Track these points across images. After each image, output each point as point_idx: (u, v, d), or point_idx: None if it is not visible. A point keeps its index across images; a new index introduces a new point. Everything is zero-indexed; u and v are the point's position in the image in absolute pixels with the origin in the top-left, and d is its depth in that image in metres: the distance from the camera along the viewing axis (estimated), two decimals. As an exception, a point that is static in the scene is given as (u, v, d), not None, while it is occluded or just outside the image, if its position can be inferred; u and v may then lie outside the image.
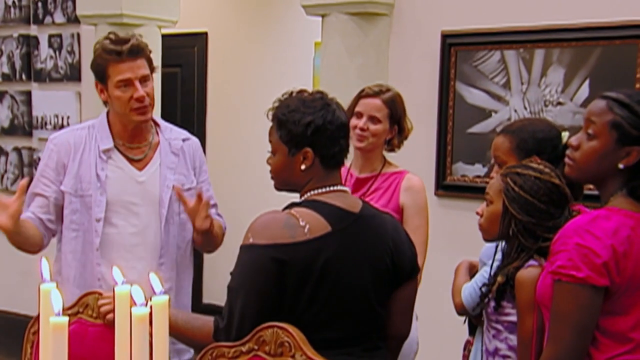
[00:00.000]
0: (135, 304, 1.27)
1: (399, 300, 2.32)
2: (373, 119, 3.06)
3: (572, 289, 1.97)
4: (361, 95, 3.13)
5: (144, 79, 2.76)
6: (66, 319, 1.16)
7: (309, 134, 2.17)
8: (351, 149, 2.65)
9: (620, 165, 2.03)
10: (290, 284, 2.10)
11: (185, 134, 3.01)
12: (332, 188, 2.23)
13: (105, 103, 2.86)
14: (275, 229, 2.12)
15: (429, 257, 3.90)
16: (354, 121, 3.01)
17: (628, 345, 2.00)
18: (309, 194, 2.23)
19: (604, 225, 1.98)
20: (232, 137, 6.08)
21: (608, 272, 1.95)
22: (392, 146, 3.19)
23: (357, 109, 3.06)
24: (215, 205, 3.01)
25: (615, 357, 2.01)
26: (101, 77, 2.77)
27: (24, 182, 2.60)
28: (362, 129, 3.04)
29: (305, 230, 2.11)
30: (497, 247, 2.48)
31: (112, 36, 2.79)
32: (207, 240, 2.86)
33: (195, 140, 3.02)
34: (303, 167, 2.20)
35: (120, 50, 2.72)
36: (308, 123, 2.17)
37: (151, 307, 1.30)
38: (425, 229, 3.17)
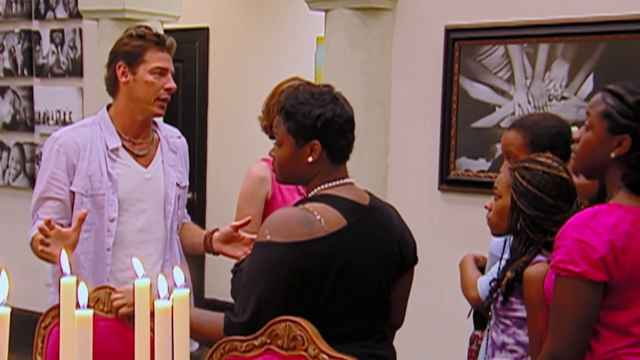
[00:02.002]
0: (158, 297, 1.28)
1: (400, 289, 2.34)
2: None
3: (570, 284, 1.97)
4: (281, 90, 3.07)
5: (172, 75, 2.80)
6: (91, 311, 1.16)
7: (318, 126, 2.16)
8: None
9: (612, 155, 2.03)
10: (311, 280, 2.10)
11: (177, 132, 3.03)
12: (341, 181, 2.23)
13: (115, 90, 2.81)
14: (293, 226, 2.10)
15: (432, 251, 3.92)
16: None
17: (629, 340, 2.00)
18: (319, 188, 2.22)
19: (603, 221, 1.98)
20: (233, 131, 6.07)
21: (606, 267, 1.95)
22: None
23: None
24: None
25: (616, 351, 2.00)
26: (132, 59, 2.73)
27: (83, 213, 2.58)
28: None
29: (323, 224, 2.10)
30: (505, 241, 2.49)
31: (141, 28, 2.81)
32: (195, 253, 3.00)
33: (184, 140, 3.05)
34: (310, 159, 2.19)
35: (162, 41, 2.76)
36: (318, 116, 2.16)
37: (172, 300, 1.30)
38: None
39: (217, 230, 2.84)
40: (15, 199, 5.77)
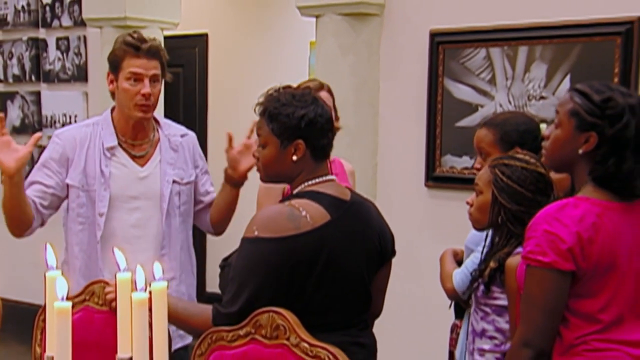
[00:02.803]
0: (135, 289, 1.29)
1: (379, 280, 2.36)
2: None
3: (540, 273, 1.99)
4: None
5: (154, 79, 2.77)
6: (69, 303, 1.17)
7: (302, 126, 2.18)
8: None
9: (580, 151, 2.05)
10: (298, 273, 2.11)
11: (183, 129, 3.02)
12: (323, 178, 2.25)
13: (112, 95, 2.84)
14: (280, 222, 2.12)
15: (419, 245, 3.94)
16: None
17: (597, 326, 2.02)
18: (303, 185, 2.24)
19: (571, 213, 1.99)
20: (232, 131, 6.07)
21: (573, 257, 1.97)
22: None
23: None
24: (212, 192, 3.06)
25: (584, 337, 2.02)
26: (115, 67, 2.77)
27: (39, 134, 2.60)
28: None
29: (308, 219, 2.12)
30: (486, 234, 2.50)
31: (135, 34, 2.80)
32: (231, 208, 2.95)
33: (192, 134, 3.04)
34: (294, 158, 2.21)
35: (139, 46, 2.74)
36: (302, 116, 2.18)
37: (150, 292, 1.31)
38: None
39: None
40: (24, 198, 5.79)
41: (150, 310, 1.33)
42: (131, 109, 2.76)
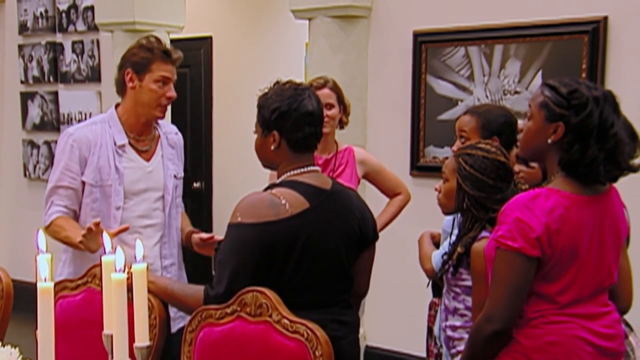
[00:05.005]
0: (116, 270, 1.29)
1: (362, 262, 2.34)
2: (327, 106, 3.12)
3: (509, 256, 1.99)
4: None
5: (174, 84, 2.80)
6: (51, 284, 1.18)
7: (273, 119, 2.19)
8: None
9: (549, 141, 2.04)
10: (277, 256, 2.11)
11: (175, 128, 3.02)
12: (305, 169, 2.23)
13: (122, 93, 2.82)
14: (260, 209, 2.12)
15: (404, 229, 3.93)
16: None
17: (554, 306, 2.03)
18: (286, 174, 2.23)
19: (542, 204, 1.99)
20: (235, 128, 6.07)
21: (540, 245, 1.97)
22: (342, 124, 3.29)
23: None
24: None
25: (542, 311, 2.03)
26: (140, 68, 2.74)
27: (125, 227, 2.59)
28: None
29: (287, 207, 2.11)
30: (454, 219, 2.50)
31: (156, 42, 2.79)
32: None
33: (180, 135, 3.04)
34: (272, 147, 2.21)
35: (170, 53, 2.76)
36: (274, 109, 2.18)
37: (131, 273, 1.32)
38: (390, 171, 3.43)
39: (196, 232, 2.86)
40: (44, 190, 5.80)
41: (131, 290, 1.33)
42: (153, 108, 2.76)
